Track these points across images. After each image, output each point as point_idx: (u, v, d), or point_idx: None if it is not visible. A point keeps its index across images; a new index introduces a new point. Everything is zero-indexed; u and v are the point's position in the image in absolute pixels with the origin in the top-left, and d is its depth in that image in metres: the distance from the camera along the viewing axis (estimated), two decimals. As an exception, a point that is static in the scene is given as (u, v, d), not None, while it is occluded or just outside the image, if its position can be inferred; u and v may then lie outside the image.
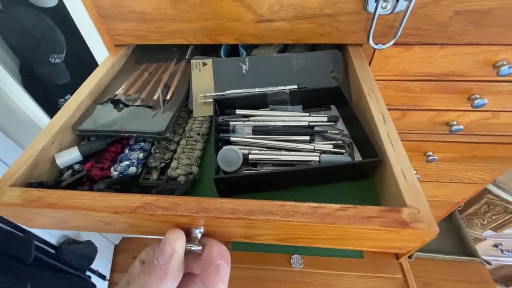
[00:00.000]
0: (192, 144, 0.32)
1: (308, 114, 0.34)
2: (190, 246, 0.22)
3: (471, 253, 1.18)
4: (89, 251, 1.06)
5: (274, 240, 0.25)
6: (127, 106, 0.34)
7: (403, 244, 0.23)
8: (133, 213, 0.22)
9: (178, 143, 0.33)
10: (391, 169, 0.25)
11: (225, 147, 0.29)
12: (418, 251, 1.11)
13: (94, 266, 1.08)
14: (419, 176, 0.73)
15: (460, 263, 1.19)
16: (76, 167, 0.30)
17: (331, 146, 0.31)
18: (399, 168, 0.25)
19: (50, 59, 0.82)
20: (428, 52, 0.42)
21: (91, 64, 0.84)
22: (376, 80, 0.47)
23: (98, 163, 0.30)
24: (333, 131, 0.32)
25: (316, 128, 0.33)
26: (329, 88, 0.35)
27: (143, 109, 0.33)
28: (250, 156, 0.30)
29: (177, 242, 0.21)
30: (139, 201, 0.23)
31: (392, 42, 0.38)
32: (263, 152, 0.30)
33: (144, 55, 0.45)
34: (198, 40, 0.41)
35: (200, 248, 0.23)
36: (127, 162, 0.29)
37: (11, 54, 0.78)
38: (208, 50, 0.45)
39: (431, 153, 0.64)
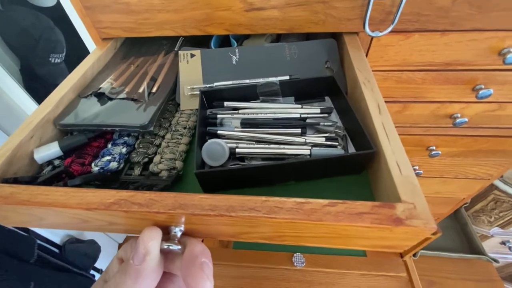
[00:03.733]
0: (177, 138, 0.31)
1: (300, 106, 0.32)
2: (168, 246, 0.21)
3: (478, 250, 1.15)
4: (92, 250, 1.06)
5: (260, 238, 0.23)
6: (111, 99, 0.33)
7: (398, 243, 0.21)
8: (107, 210, 0.21)
9: (163, 137, 0.31)
10: (385, 162, 0.23)
11: (210, 140, 0.27)
12: (423, 249, 1.08)
13: (97, 265, 1.09)
14: (421, 171, 0.70)
15: (467, 261, 1.16)
16: (56, 162, 0.29)
17: (324, 139, 0.29)
18: (394, 161, 0.23)
19: (50, 59, 0.82)
20: (429, 39, 0.39)
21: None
22: (374, 71, 0.45)
23: (79, 159, 0.28)
24: (326, 123, 0.30)
25: (308, 121, 0.31)
26: (322, 78, 0.33)
27: (127, 102, 0.32)
28: (237, 150, 0.28)
29: (150, 242, 0.20)
30: (113, 198, 0.21)
31: (389, 29, 0.36)
32: (251, 145, 0.29)
33: (133, 48, 0.44)
34: (187, 31, 0.40)
35: (179, 247, 0.21)
36: (108, 157, 0.28)
37: (11, 54, 0.78)
38: (199, 42, 0.44)
39: (434, 148, 0.61)
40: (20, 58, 0.79)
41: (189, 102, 0.35)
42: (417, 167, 0.69)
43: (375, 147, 0.24)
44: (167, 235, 0.22)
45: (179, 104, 0.35)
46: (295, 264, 1.11)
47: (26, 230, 0.80)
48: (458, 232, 1.24)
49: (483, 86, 0.44)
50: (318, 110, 0.32)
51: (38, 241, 0.79)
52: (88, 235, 1.11)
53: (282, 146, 0.28)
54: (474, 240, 1.17)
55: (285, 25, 0.38)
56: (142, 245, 0.20)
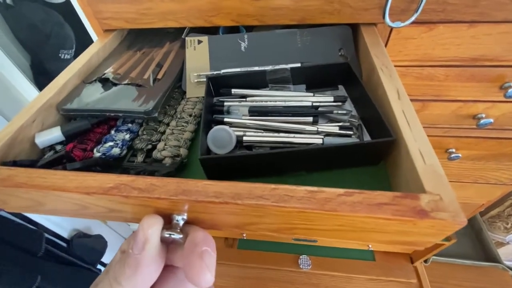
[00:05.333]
0: (182, 126, 0.29)
1: (312, 94, 0.31)
2: (170, 234, 0.20)
3: (493, 258, 1.09)
4: (99, 244, 1.07)
5: (268, 230, 0.22)
6: (115, 85, 0.32)
7: (420, 239, 0.19)
8: (106, 194, 0.20)
9: (168, 124, 0.30)
10: (406, 151, 0.21)
11: (216, 127, 0.26)
12: (435, 255, 1.03)
13: (104, 259, 1.09)
14: None
15: (481, 268, 1.10)
16: (58, 147, 0.28)
17: (337, 128, 0.27)
18: (416, 149, 0.21)
19: (60, 55, 0.82)
20: (455, 31, 0.36)
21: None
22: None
23: (81, 144, 0.27)
24: (339, 112, 0.28)
25: (320, 109, 0.29)
26: (336, 64, 0.31)
27: (132, 88, 0.31)
28: (244, 138, 0.27)
29: (150, 229, 0.19)
30: (113, 182, 0.20)
31: (412, 19, 0.33)
32: (259, 134, 0.27)
33: (139, 36, 0.43)
34: (192, 22, 0.38)
35: (181, 236, 0.20)
36: (111, 143, 0.27)
37: (22, 50, 0.79)
38: (206, 31, 0.42)
39: (453, 150, 0.57)
40: (30, 54, 0.80)
41: (195, 89, 0.33)
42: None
43: (394, 134, 0.22)
44: (169, 224, 0.20)
45: (185, 92, 0.34)
46: (301, 266, 1.08)
47: (34, 223, 0.81)
48: (472, 238, 1.18)
49: None
50: (331, 99, 0.30)
51: (46, 235, 0.80)
52: (95, 230, 1.12)
53: (292, 134, 0.26)
54: (489, 247, 1.11)
55: (297, 15, 0.36)
56: (142, 232, 0.18)
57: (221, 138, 0.26)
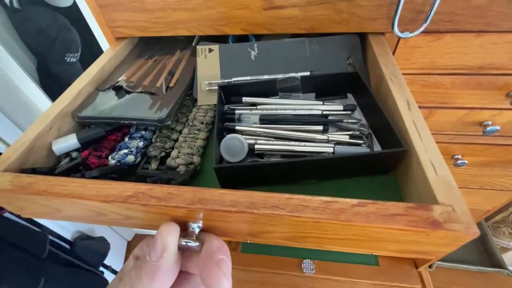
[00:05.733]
0: (195, 133, 0.30)
1: (321, 102, 0.31)
2: (186, 242, 0.20)
3: (498, 263, 1.08)
4: (102, 247, 1.07)
5: (281, 239, 0.22)
6: (129, 93, 0.32)
7: (432, 249, 0.20)
8: (124, 203, 0.20)
9: (180, 132, 0.31)
10: (418, 161, 0.21)
11: (229, 135, 0.26)
12: (439, 260, 1.03)
13: (107, 261, 1.10)
14: None
15: (485, 274, 1.09)
16: (74, 154, 0.28)
17: (347, 136, 0.28)
18: (428, 159, 0.21)
19: (66, 58, 0.83)
20: (462, 41, 0.37)
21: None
22: None
23: (96, 151, 0.28)
24: (349, 121, 0.29)
25: (330, 118, 0.30)
26: (346, 73, 0.32)
27: (145, 96, 0.32)
28: (256, 146, 0.27)
29: (169, 237, 0.19)
30: (131, 190, 0.21)
31: (421, 29, 0.33)
32: (271, 142, 0.27)
33: (150, 43, 0.44)
34: (202, 31, 0.38)
35: (197, 244, 0.20)
36: (125, 151, 0.28)
37: (28, 53, 0.80)
38: (215, 39, 0.43)
39: (459, 157, 0.57)
40: (36, 57, 0.81)
41: (206, 97, 0.34)
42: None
43: (406, 145, 0.23)
44: (184, 231, 0.21)
45: (196, 99, 0.35)
46: (305, 270, 1.08)
47: (38, 225, 0.82)
48: (476, 243, 1.16)
49: None
50: (341, 107, 0.30)
51: (50, 237, 0.80)
52: (98, 232, 1.12)
53: (303, 143, 0.27)
54: (494, 253, 1.10)
55: (306, 24, 0.36)
56: (160, 240, 0.19)
57: (234, 147, 0.26)
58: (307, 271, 1.07)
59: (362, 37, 0.37)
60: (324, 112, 0.30)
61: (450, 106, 0.46)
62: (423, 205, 0.18)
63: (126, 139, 0.30)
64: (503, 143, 0.52)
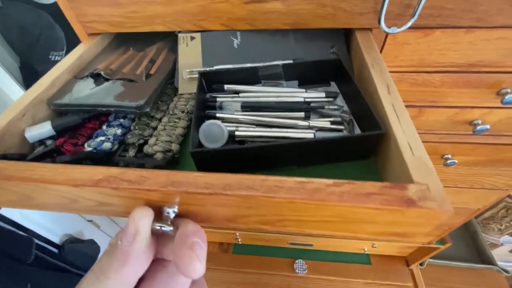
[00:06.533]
0: (174, 122, 0.29)
1: (304, 90, 0.31)
2: (161, 226, 0.19)
3: (488, 260, 1.09)
4: (92, 250, 1.05)
5: (259, 223, 0.22)
6: (107, 80, 0.32)
7: (409, 230, 0.20)
8: (95, 187, 0.20)
9: (160, 120, 0.30)
10: (395, 143, 0.21)
11: (208, 121, 0.26)
12: (430, 258, 1.03)
13: (97, 265, 1.07)
14: None
15: (476, 271, 1.11)
16: (49, 142, 0.28)
17: (329, 123, 0.27)
18: (405, 141, 0.21)
19: (50, 57, 0.81)
20: (452, 37, 0.36)
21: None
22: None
23: (72, 139, 0.27)
24: (331, 107, 0.29)
25: (312, 105, 0.30)
26: (328, 60, 0.31)
27: (124, 83, 0.31)
28: (237, 133, 0.27)
29: (141, 221, 0.18)
30: (102, 174, 0.20)
31: (409, 25, 0.32)
32: (251, 129, 0.27)
33: (130, 34, 0.43)
34: (180, 26, 0.36)
35: (171, 228, 0.20)
36: (102, 138, 0.27)
37: (11, 52, 0.78)
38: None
39: (449, 156, 0.56)
40: (20, 56, 0.79)
41: (187, 85, 0.34)
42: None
43: (384, 128, 0.23)
44: (159, 216, 0.20)
45: (178, 88, 0.34)
46: (297, 271, 1.07)
47: (24, 229, 0.79)
48: (467, 240, 1.19)
49: (509, 90, 0.40)
50: (323, 94, 0.30)
51: (37, 241, 0.77)
52: (87, 235, 1.10)
53: (284, 129, 0.27)
54: (484, 249, 1.12)
55: (289, 19, 0.34)
56: (132, 224, 0.18)
57: (213, 133, 0.26)
58: (299, 271, 1.07)
59: (349, 33, 0.37)
60: (306, 99, 0.30)
61: (439, 105, 0.45)
62: (398, 185, 0.18)
63: (104, 126, 0.29)
64: (493, 142, 0.51)
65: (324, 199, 0.18)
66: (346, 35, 0.37)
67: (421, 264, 1.10)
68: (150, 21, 0.36)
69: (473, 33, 0.35)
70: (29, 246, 0.73)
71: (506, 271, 1.06)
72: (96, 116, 0.30)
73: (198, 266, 0.17)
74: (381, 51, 0.38)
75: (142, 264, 0.19)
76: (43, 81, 0.30)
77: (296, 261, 1.10)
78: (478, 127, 0.46)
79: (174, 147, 0.27)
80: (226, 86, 0.31)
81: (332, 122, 0.27)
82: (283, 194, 0.18)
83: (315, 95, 0.30)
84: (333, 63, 0.31)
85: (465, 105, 0.45)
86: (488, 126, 0.46)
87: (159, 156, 0.26)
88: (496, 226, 1.10)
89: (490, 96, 0.42)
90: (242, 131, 0.27)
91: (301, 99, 0.30)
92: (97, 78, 0.32)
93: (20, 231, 0.76)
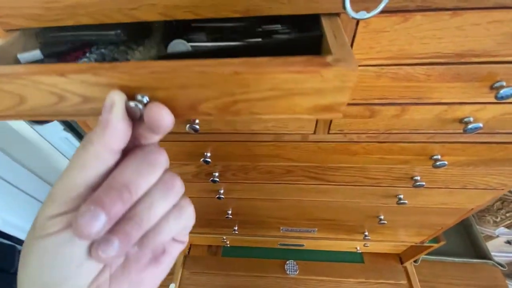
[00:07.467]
0: (149, 49, 0.34)
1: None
2: (135, 104, 0.23)
3: (483, 254, 1.08)
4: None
5: (215, 109, 0.26)
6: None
7: (332, 99, 0.24)
8: (79, 74, 0.24)
9: (139, 51, 0.35)
10: (326, 40, 0.26)
11: (175, 40, 0.31)
12: (425, 254, 1.02)
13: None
14: (424, 183, 0.60)
15: (471, 265, 1.10)
16: (38, 66, 0.32)
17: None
18: (331, 33, 0.26)
19: None
20: (436, 21, 0.30)
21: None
22: (364, 65, 0.36)
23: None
24: (285, 31, 0.34)
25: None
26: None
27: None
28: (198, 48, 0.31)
29: (116, 95, 0.23)
30: (86, 66, 0.24)
31: (380, 8, 0.26)
32: (210, 44, 0.32)
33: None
34: (110, 17, 0.31)
35: (142, 107, 0.24)
36: (85, 60, 0.31)
37: None
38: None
39: (439, 157, 0.51)
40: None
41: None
42: (418, 178, 0.60)
43: (323, 31, 0.27)
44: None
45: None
46: (288, 272, 1.06)
47: (7, 237, 0.76)
48: (462, 234, 1.17)
49: (504, 84, 0.35)
50: (279, 26, 0.35)
51: (20, 248, 0.76)
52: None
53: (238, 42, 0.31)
54: (479, 243, 1.10)
55: (239, 5, 0.29)
56: (108, 98, 0.23)
57: (179, 49, 0.30)
58: (290, 273, 1.06)
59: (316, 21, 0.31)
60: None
61: (425, 102, 0.41)
62: (320, 56, 0.23)
63: (87, 54, 0.33)
64: (486, 140, 0.47)
65: (263, 67, 0.22)
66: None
67: (415, 261, 1.08)
68: (73, 13, 0.31)
69: (461, 16, 0.30)
70: (12, 254, 0.73)
71: (502, 266, 1.04)
72: (80, 48, 0.34)
73: (164, 112, 0.21)
74: (353, 41, 0.34)
75: (121, 131, 0.22)
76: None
77: (287, 262, 1.09)
78: (470, 126, 0.41)
79: (148, 65, 0.31)
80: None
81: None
82: (230, 67, 0.23)
83: (271, 27, 0.35)
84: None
85: (454, 101, 0.40)
86: (480, 125, 0.41)
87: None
88: (492, 218, 1.09)
89: (482, 91, 0.38)
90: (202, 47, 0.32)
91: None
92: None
93: (2, 239, 0.75)
